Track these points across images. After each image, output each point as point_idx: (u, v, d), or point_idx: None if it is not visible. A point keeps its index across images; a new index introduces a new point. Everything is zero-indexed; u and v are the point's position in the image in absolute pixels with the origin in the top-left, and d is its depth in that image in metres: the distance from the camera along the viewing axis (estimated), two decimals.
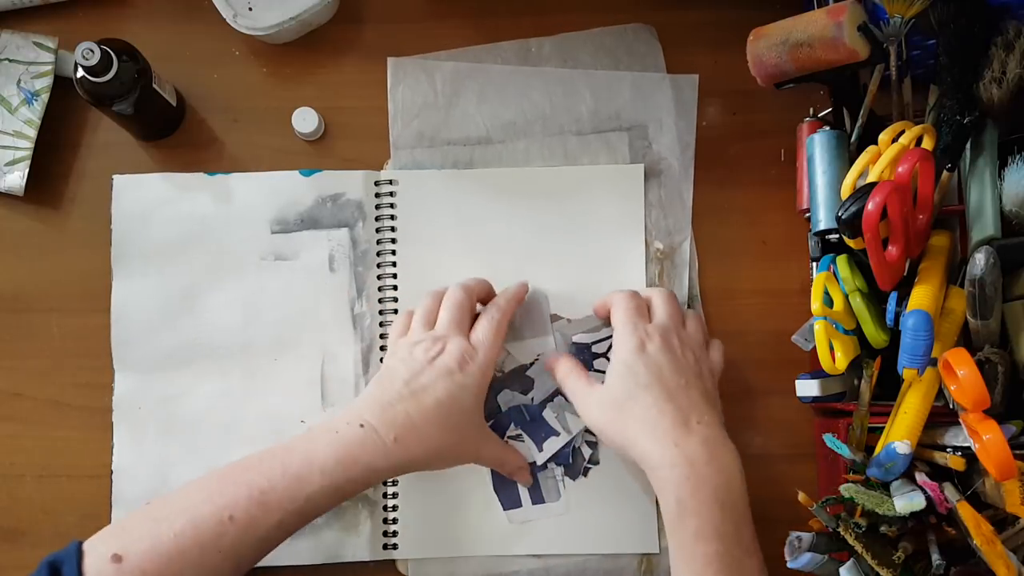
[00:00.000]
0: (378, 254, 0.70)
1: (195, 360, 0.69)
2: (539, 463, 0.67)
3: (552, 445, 0.67)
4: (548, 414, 0.68)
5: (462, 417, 0.60)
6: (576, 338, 0.68)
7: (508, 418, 0.68)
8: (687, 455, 0.54)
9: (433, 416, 0.59)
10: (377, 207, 0.71)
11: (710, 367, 0.62)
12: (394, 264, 0.70)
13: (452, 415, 0.59)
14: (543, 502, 0.68)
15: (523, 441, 0.68)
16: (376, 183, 0.71)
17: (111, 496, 0.68)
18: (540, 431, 0.68)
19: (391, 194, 0.71)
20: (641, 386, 0.57)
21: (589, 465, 0.68)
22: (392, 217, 0.70)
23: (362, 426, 0.57)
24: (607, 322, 0.65)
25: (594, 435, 0.66)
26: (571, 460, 0.68)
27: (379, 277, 0.70)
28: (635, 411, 0.57)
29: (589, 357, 0.68)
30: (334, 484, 0.56)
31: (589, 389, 0.61)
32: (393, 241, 0.70)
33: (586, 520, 0.67)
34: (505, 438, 0.67)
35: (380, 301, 0.70)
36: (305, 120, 0.71)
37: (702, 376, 0.60)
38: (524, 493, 0.68)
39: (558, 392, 0.67)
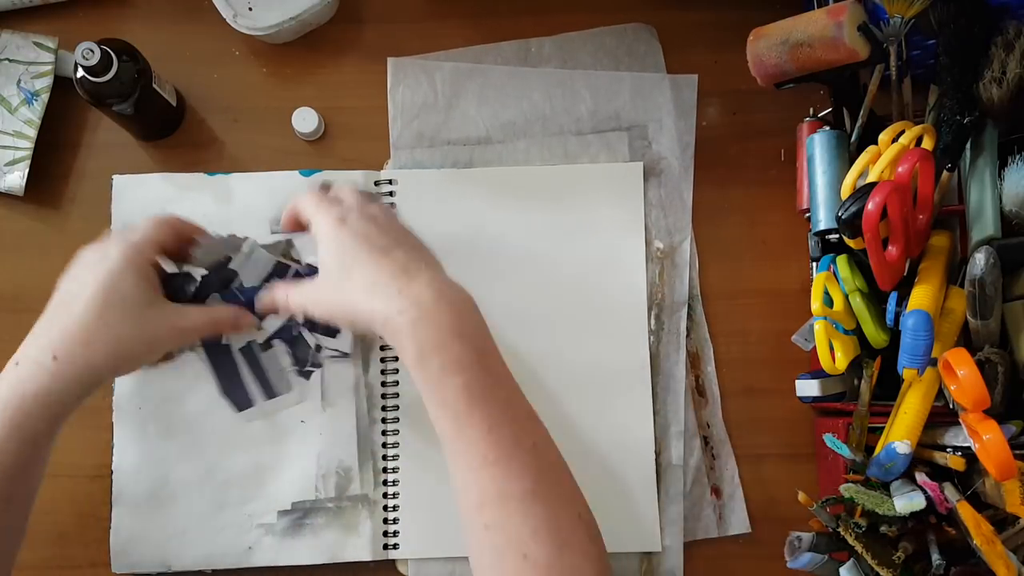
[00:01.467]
0: None
1: (196, 359, 0.69)
2: (260, 341, 0.67)
3: (273, 323, 0.68)
4: (264, 294, 0.68)
5: (125, 303, 0.56)
6: (311, 260, 0.67)
7: (219, 301, 0.66)
8: (413, 298, 0.52)
9: (89, 316, 0.54)
10: None
11: (411, 230, 0.59)
12: None
13: (112, 305, 0.55)
14: (275, 395, 0.68)
15: None
16: (376, 183, 0.71)
17: (111, 496, 0.68)
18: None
19: (391, 194, 0.71)
20: (350, 254, 0.54)
21: (311, 368, 0.68)
22: None
23: (17, 363, 0.54)
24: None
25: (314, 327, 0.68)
26: (293, 335, 0.68)
27: None
28: (353, 279, 0.54)
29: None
30: (14, 425, 0.52)
31: (311, 287, 0.58)
32: None
33: None
34: None
35: None
36: (305, 120, 0.71)
37: (409, 234, 0.58)
38: (255, 391, 0.68)
39: (273, 274, 0.66)
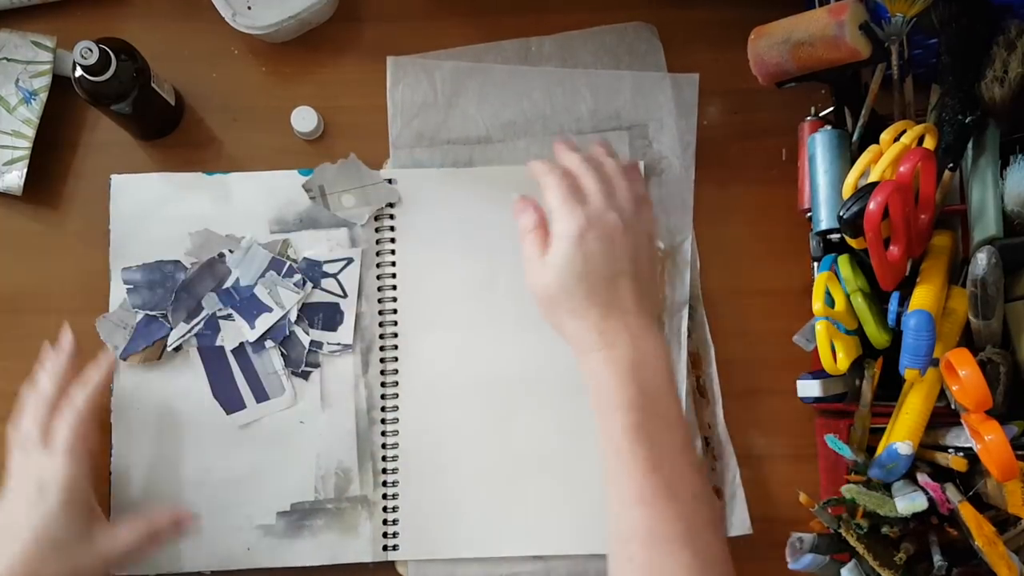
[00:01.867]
0: (377, 253, 0.70)
1: (194, 359, 0.69)
2: (251, 340, 0.68)
3: (265, 322, 0.68)
4: (260, 291, 0.68)
5: (56, 546, 0.57)
6: (307, 254, 0.69)
7: (215, 300, 0.68)
8: (608, 340, 0.56)
9: (25, 558, 0.56)
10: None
11: (647, 233, 0.61)
12: (393, 263, 0.70)
13: (43, 550, 0.57)
14: (267, 399, 0.68)
15: (233, 320, 0.68)
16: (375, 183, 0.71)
17: (110, 497, 0.68)
18: (252, 308, 0.68)
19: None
20: (575, 278, 0.56)
21: (309, 368, 0.68)
22: (391, 216, 0.70)
23: None
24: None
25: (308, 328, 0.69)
26: (286, 335, 0.68)
27: (378, 277, 0.70)
28: (567, 302, 0.57)
29: (319, 275, 0.69)
30: None
31: (537, 261, 0.59)
32: (392, 240, 0.70)
33: (588, 517, 0.67)
34: (216, 318, 0.68)
35: (380, 301, 0.70)
36: (304, 119, 0.70)
37: (638, 258, 0.58)
38: (247, 394, 0.68)
39: (269, 269, 0.68)
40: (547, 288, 0.58)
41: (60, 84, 0.70)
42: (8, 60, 0.70)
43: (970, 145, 0.60)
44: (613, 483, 0.54)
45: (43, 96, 0.69)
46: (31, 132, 0.69)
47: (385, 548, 0.67)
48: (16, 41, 0.70)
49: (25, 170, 0.69)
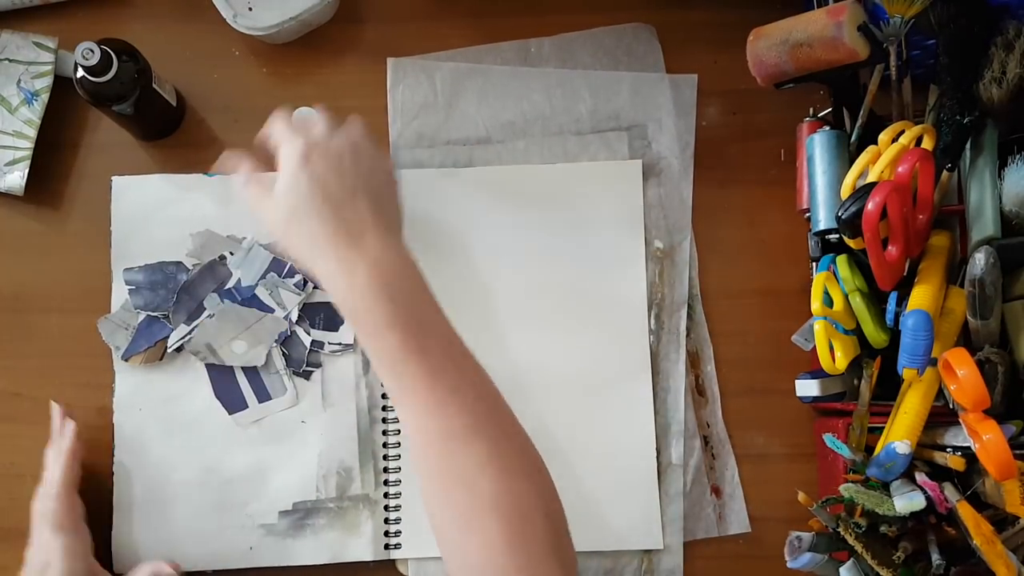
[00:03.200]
0: None
1: (195, 360, 0.69)
2: None
3: (270, 325, 0.68)
4: (261, 291, 0.69)
5: None
6: None
7: (216, 301, 0.69)
8: (351, 263, 0.54)
9: None
10: None
11: (382, 163, 0.60)
12: None
13: None
14: (269, 398, 0.68)
15: None
16: None
17: (112, 497, 0.68)
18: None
19: None
20: (303, 203, 0.55)
21: (310, 368, 0.69)
22: None
23: None
24: None
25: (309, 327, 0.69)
26: (287, 336, 0.68)
27: None
28: (301, 228, 0.55)
29: None
30: None
31: (264, 201, 0.57)
32: None
33: (588, 516, 0.67)
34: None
35: None
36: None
37: (373, 177, 0.58)
38: (249, 394, 0.68)
39: (270, 270, 0.68)
40: (280, 222, 0.56)
41: (62, 85, 0.70)
42: (10, 61, 0.70)
43: (968, 145, 0.60)
44: (398, 402, 0.54)
45: (45, 97, 0.70)
46: (33, 133, 0.69)
47: (387, 547, 0.67)
48: (18, 42, 0.70)
49: (27, 170, 0.69)
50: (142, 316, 0.69)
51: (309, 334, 0.69)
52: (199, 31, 0.72)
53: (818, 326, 0.58)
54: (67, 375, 0.70)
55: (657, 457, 0.68)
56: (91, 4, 0.73)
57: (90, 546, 0.63)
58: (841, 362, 0.59)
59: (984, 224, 0.58)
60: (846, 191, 0.58)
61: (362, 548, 0.67)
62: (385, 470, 0.68)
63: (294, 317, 0.69)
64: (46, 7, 0.72)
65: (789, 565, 0.59)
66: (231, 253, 0.70)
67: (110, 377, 0.69)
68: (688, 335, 0.70)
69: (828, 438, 0.59)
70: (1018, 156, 0.57)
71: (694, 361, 0.70)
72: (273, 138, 0.58)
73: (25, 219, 0.72)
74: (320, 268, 0.55)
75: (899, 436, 0.56)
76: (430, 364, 0.53)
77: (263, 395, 0.69)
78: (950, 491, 0.55)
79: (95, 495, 0.68)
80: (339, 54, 0.73)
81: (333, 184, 0.56)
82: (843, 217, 0.55)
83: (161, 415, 0.69)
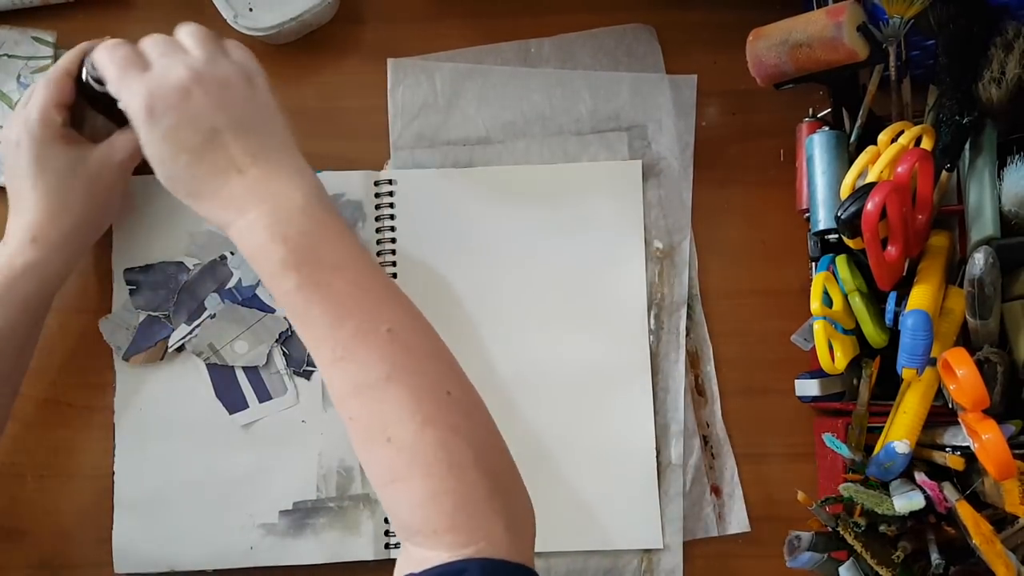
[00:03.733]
0: (378, 254, 0.70)
1: (196, 360, 0.69)
2: None
3: (270, 324, 0.69)
4: (262, 291, 0.69)
5: (60, 176, 0.57)
6: None
7: (217, 301, 0.69)
8: (237, 207, 0.50)
9: (33, 190, 0.57)
10: (377, 207, 0.71)
11: (236, 67, 0.54)
12: (394, 264, 0.70)
13: (51, 185, 0.57)
14: (270, 398, 0.68)
15: None
16: (376, 183, 0.71)
17: (113, 497, 0.68)
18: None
19: (390, 194, 0.71)
20: (169, 162, 0.51)
21: (310, 368, 0.69)
22: (391, 217, 0.70)
23: (5, 243, 0.58)
24: None
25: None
26: (288, 335, 0.68)
27: None
28: (180, 188, 0.52)
29: None
30: (4, 290, 0.57)
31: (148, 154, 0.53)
32: (393, 241, 0.70)
33: (587, 516, 0.68)
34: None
35: None
36: None
37: (229, 102, 0.52)
38: (249, 394, 0.68)
39: None
40: (160, 179, 0.53)
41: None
42: (9, 56, 0.70)
43: (967, 146, 0.60)
44: (310, 349, 0.51)
45: None
46: None
47: (387, 546, 0.67)
48: (16, 37, 0.70)
49: None
50: (143, 316, 0.69)
51: None
52: None
53: (817, 326, 0.58)
54: (67, 375, 0.70)
55: (656, 457, 0.68)
56: (90, 4, 0.73)
57: (63, 110, 0.59)
58: (840, 362, 0.59)
59: (983, 224, 0.58)
60: (845, 191, 0.58)
61: (362, 547, 0.67)
62: None
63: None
64: (46, 7, 0.72)
65: (788, 564, 0.59)
66: (231, 253, 0.70)
67: (110, 377, 0.69)
68: (688, 335, 0.70)
69: (827, 438, 0.59)
70: (1017, 156, 0.57)
71: (694, 361, 0.70)
72: (109, 80, 0.53)
73: None
74: (206, 214, 0.52)
75: (898, 436, 0.56)
76: (334, 311, 0.49)
77: (264, 395, 0.69)
78: (949, 491, 0.55)
79: (95, 495, 0.68)
80: (339, 54, 0.73)
81: (188, 135, 0.50)
82: (842, 217, 0.56)
83: (161, 415, 0.69)
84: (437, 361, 0.51)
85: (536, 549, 0.67)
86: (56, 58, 0.70)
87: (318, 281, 0.49)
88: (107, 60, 0.53)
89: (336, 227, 0.51)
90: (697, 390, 0.70)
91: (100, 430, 0.69)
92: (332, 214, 0.52)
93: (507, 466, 0.50)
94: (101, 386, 0.69)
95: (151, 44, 0.53)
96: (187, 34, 0.55)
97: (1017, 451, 0.52)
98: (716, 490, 0.69)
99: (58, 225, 0.58)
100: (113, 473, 0.68)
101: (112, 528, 0.68)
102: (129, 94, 0.51)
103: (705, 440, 0.69)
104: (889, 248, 0.57)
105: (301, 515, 0.68)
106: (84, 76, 0.63)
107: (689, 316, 0.70)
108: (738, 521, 0.68)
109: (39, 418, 0.69)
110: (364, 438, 0.49)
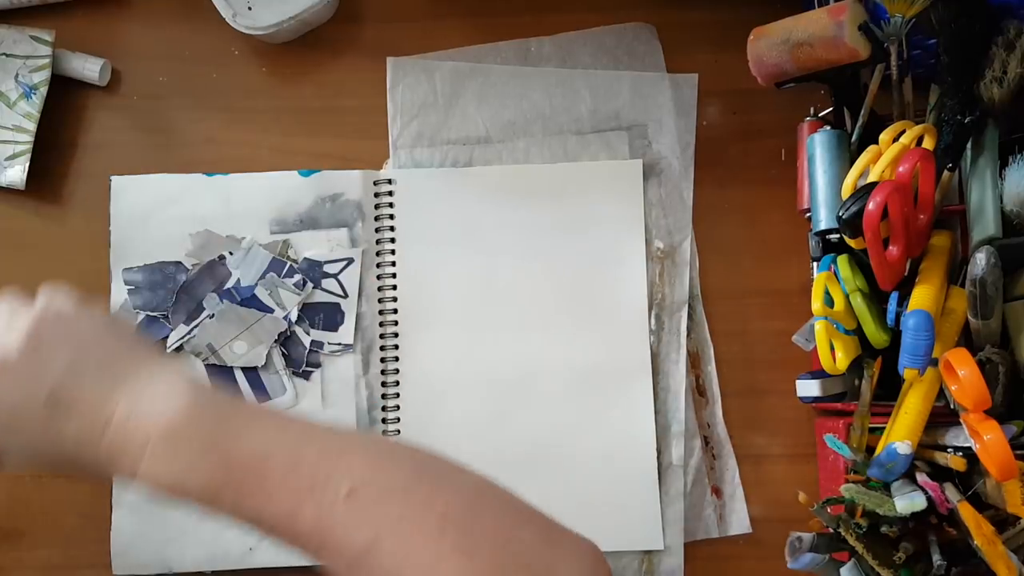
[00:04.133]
0: (377, 254, 0.70)
1: (195, 360, 0.69)
2: None
3: (268, 324, 0.69)
4: (261, 291, 0.68)
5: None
6: (308, 255, 0.69)
7: (216, 301, 0.68)
8: (107, 456, 0.42)
9: None
10: (376, 207, 0.70)
11: (51, 319, 0.45)
12: (393, 263, 0.70)
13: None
14: (269, 398, 0.68)
15: None
16: (375, 183, 0.71)
17: (112, 497, 0.68)
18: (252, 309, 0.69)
19: (390, 193, 0.70)
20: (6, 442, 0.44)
21: (310, 368, 0.69)
22: (391, 216, 0.70)
23: None
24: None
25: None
26: (287, 336, 0.68)
27: (379, 277, 0.70)
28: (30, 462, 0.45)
29: (320, 276, 0.69)
30: None
31: None
32: (392, 240, 0.70)
33: (588, 517, 0.67)
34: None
35: (380, 301, 0.70)
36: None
37: (50, 365, 0.43)
38: (248, 394, 0.68)
39: (269, 270, 0.68)
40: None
41: (60, 84, 0.70)
42: (7, 56, 0.70)
43: (969, 145, 0.60)
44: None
45: (43, 90, 0.69)
46: (32, 126, 0.69)
47: None
48: (15, 36, 0.70)
49: (27, 164, 0.69)
50: (141, 316, 0.69)
51: (308, 334, 0.69)
52: (198, 30, 0.72)
53: (819, 326, 0.58)
54: None
55: (657, 457, 0.68)
56: (89, 4, 0.73)
57: None
58: (842, 362, 0.59)
59: (985, 224, 0.58)
60: (847, 191, 0.58)
61: None
62: None
63: (293, 317, 0.69)
64: (45, 7, 0.72)
65: (790, 566, 0.58)
66: (230, 253, 0.69)
67: None
68: (689, 335, 0.70)
69: (829, 438, 0.59)
70: (1019, 156, 0.57)
71: (695, 361, 0.70)
72: None
73: (26, 215, 0.71)
74: (90, 476, 0.44)
75: (900, 436, 0.56)
76: (281, 506, 0.41)
77: (263, 395, 0.69)
78: (951, 491, 0.55)
79: (95, 495, 0.68)
80: (339, 54, 0.73)
81: (21, 410, 0.43)
82: (844, 217, 0.55)
83: None
84: (413, 491, 0.42)
85: None
86: (54, 57, 0.70)
87: (246, 493, 0.41)
88: None
89: (235, 410, 0.43)
90: (698, 390, 0.69)
91: None
92: (225, 404, 0.43)
93: (546, 524, 0.45)
94: None
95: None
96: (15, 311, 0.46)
97: (1019, 452, 0.52)
98: (717, 491, 0.69)
99: None
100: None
101: (110, 529, 0.67)
102: None
103: (706, 441, 0.69)
104: (891, 248, 0.57)
105: None
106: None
107: (690, 316, 0.70)
108: (739, 522, 0.68)
109: None
110: None
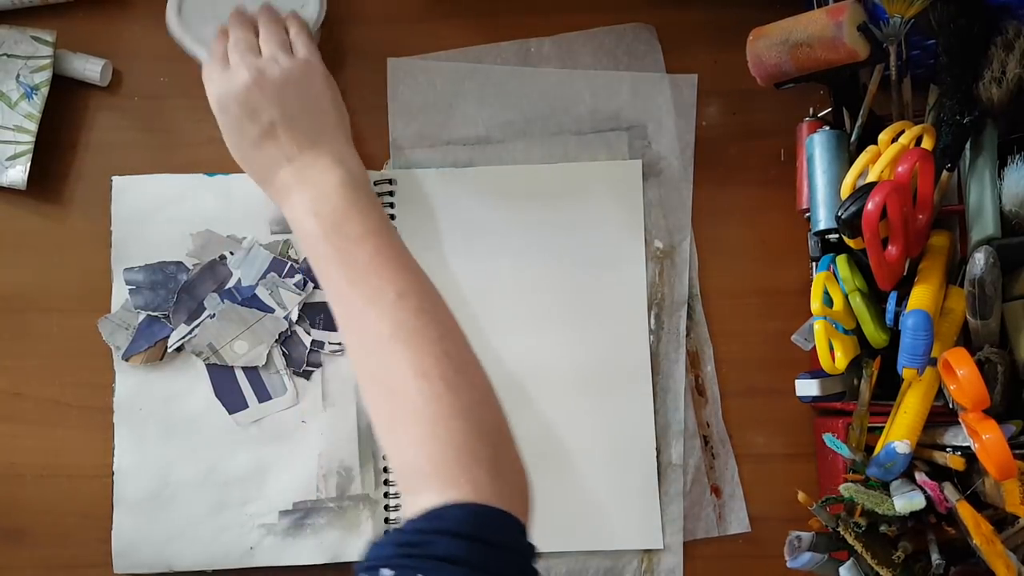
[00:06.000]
0: None
1: (195, 360, 0.69)
2: None
3: (269, 323, 0.69)
4: (262, 291, 0.69)
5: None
6: None
7: (216, 301, 0.69)
8: (283, 191, 0.59)
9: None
10: None
11: (299, 66, 0.61)
12: None
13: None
14: (269, 398, 0.68)
15: None
16: (375, 183, 0.71)
17: (112, 497, 0.68)
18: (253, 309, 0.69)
19: (390, 194, 0.71)
20: (236, 148, 0.60)
21: (310, 368, 0.69)
22: (391, 217, 0.70)
23: None
24: None
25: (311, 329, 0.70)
26: (287, 336, 0.69)
27: None
28: (246, 167, 0.60)
29: None
30: None
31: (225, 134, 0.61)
32: None
33: (588, 516, 0.68)
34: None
35: None
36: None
37: (285, 99, 0.59)
38: (249, 394, 0.68)
39: (270, 270, 0.69)
40: (235, 160, 0.61)
41: (61, 84, 0.70)
42: (8, 56, 0.70)
43: (968, 145, 0.60)
44: (331, 307, 0.57)
45: (44, 91, 0.69)
46: (33, 127, 0.69)
47: None
48: (16, 37, 0.70)
49: (28, 164, 0.69)
50: (142, 316, 0.69)
51: (309, 334, 0.69)
52: None
53: (818, 326, 0.58)
54: (67, 375, 0.70)
55: (657, 457, 0.68)
56: (90, 4, 0.73)
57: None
58: (841, 362, 0.59)
59: (984, 224, 0.58)
60: (846, 191, 0.58)
61: (362, 548, 0.67)
62: (385, 470, 0.68)
63: (294, 317, 0.69)
64: (46, 7, 0.72)
65: (789, 565, 0.59)
66: (231, 253, 0.70)
67: (110, 377, 0.69)
68: (688, 335, 0.70)
69: (828, 438, 0.59)
70: (1018, 156, 0.57)
71: (694, 361, 0.70)
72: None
73: (27, 215, 0.71)
74: (271, 196, 0.60)
75: (899, 436, 0.56)
76: (353, 273, 0.55)
77: (263, 395, 0.69)
78: (950, 491, 0.55)
79: (95, 495, 0.68)
80: (339, 54, 0.73)
81: (249, 127, 0.59)
82: (843, 217, 0.56)
83: (161, 415, 0.69)
84: (438, 325, 0.55)
85: (537, 550, 0.67)
86: (55, 57, 0.70)
87: (341, 249, 0.56)
88: (218, 39, 0.61)
89: (363, 205, 0.58)
90: (697, 390, 0.70)
91: (100, 430, 0.69)
92: (362, 193, 0.59)
93: (497, 422, 0.54)
94: (101, 386, 0.69)
95: (233, 43, 0.61)
96: (263, 25, 0.63)
97: (1017, 451, 0.52)
98: (716, 490, 0.69)
99: None
100: (113, 473, 0.68)
101: (112, 528, 0.68)
102: (207, 88, 0.60)
103: (705, 440, 0.69)
104: (890, 248, 0.57)
105: (301, 515, 0.68)
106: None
107: (689, 316, 0.70)
108: (738, 521, 0.68)
109: (39, 418, 0.69)
110: (369, 387, 0.54)
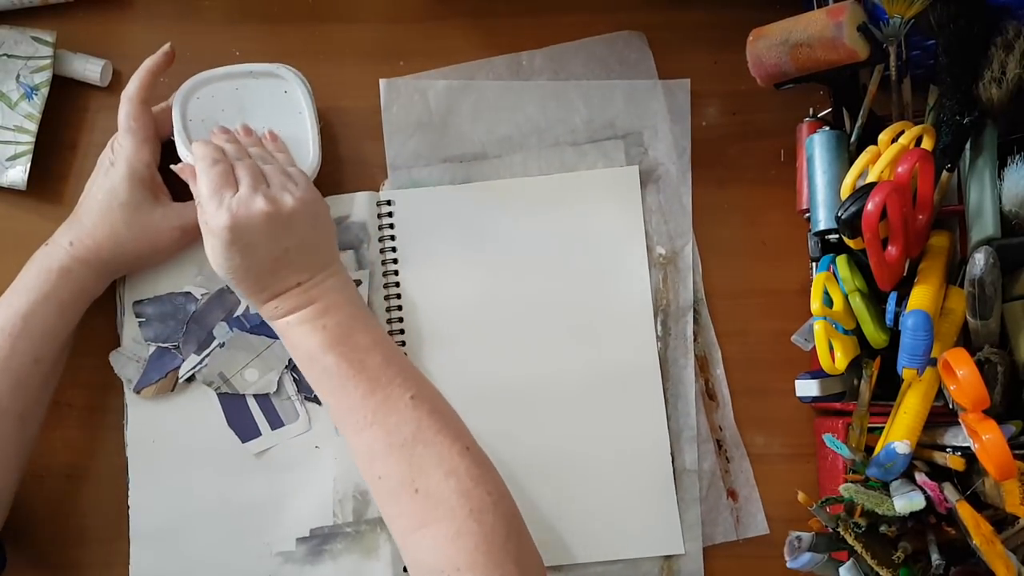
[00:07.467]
0: (384, 275, 0.70)
1: (207, 389, 0.68)
2: None
3: (279, 352, 0.69)
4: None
5: (124, 209, 0.64)
6: None
7: (225, 329, 0.68)
8: (286, 308, 0.59)
9: (95, 218, 0.63)
10: (379, 227, 0.70)
11: (302, 196, 0.61)
12: (397, 284, 0.70)
13: (111, 211, 0.63)
14: (282, 425, 0.68)
15: None
16: (377, 203, 0.70)
17: (129, 531, 0.67)
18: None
19: (390, 215, 0.70)
20: (237, 272, 0.59)
21: None
22: (392, 238, 0.70)
23: (47, 245, 0.64)
24: None
25: None
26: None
27: (385, 297, 0.70)
28: (241, 287, 0.60)
29: None
30: (42, 296, 0.62)
31: (209, 251, 0.60)
32: (395, 261, 0.70)
33: (606, 525, 0.67)
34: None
35: (388, 322, 0.69)
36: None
37: (294, 227, 0.59)
38: (261, 421, 0.68)
39: None
40: (217, 271, 0.60)
41: (61, 85, 0.70)
42: (8, 56, 0.70)
43: (968, 146, 0.60)
44: (340, 418, 0.58)
45: (44, 91, 0.69)
46: (33, 127, 0.69)
47: (405, 569, 0.65)
48: (16, 37, 0.70)
49: (29, 164, 0.69)
50: (152, 348, 0.69)
51: None
52: (199, 32, 0.72)
53: (818, 326, 0.58)
54: (67, 375, 0.69)
55: (671, 463, 0.68)
56: (90, 4, 0.73)
57: (156, 156, 0.66)
58: (841, 362, 0.59)
59: (984, 224, 0.58)
60: (846, 191, 0.58)
61: (380, 571, 0.66)
62: None
63: None
64: (46, 8, 0.72)
65: (789, 565, 0.59)
66: None
67: (110, 377, 0.69)
68: (695, 339, 0.70)
69: (828, 438, 0.59)
70: (1018, 156, 0.57)
71: (703, 365, 0.70)
72: (201, 192, 0.59)
73: (27, 215, 0.71)
74: (266, 314, 0.61)
75: (899, 436, 0.56)
76: (366, 384, 0.57)
77: (276, 422, 0.68)
78: (950, 491, 0.55)
79: (94, 495, 0.68)
80: (339, 54, 0.73)
81: (263, 252, 0.58)
82: (843, 217, 0.56)
83: (174, 446, 0.68)
84: (453, 422, 0.58)
85: (557, 562, 0.66)
86: (55, 58, 0.70)
87: (351, 359, 0.58)
88: (202, 172, 0.59)
89: (367, 318, 0.61)
90: (708, 394, 0.69)
91: (100, 430, 0.69)
92: (363, 308, 0.62)
93: (516, 512, 0.56)
94: (100, 386, 0.69)
95: (242, 170, 0.60)
96: (268, 152, 0.64)
97: (1017, 451, 0.52)
98: (733, 494, 0.68)
99: (95, 248, 0.63)
100: (128, 507, 0.68)
101: (128, 564, 0.67)
102: (216, 214, 0.58)
103: (719, 444, 0.69)
104: (889, 248, 0.57)
105: (319, 541, 0.67)
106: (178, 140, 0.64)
107: (696, 320, 0.70)
108: (756, 524, 0.68)
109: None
110: (393, 492, 0.56)
